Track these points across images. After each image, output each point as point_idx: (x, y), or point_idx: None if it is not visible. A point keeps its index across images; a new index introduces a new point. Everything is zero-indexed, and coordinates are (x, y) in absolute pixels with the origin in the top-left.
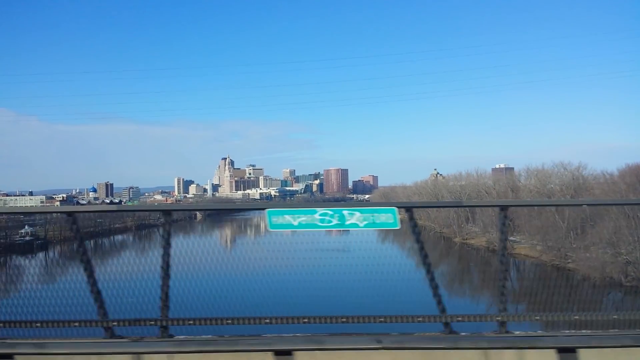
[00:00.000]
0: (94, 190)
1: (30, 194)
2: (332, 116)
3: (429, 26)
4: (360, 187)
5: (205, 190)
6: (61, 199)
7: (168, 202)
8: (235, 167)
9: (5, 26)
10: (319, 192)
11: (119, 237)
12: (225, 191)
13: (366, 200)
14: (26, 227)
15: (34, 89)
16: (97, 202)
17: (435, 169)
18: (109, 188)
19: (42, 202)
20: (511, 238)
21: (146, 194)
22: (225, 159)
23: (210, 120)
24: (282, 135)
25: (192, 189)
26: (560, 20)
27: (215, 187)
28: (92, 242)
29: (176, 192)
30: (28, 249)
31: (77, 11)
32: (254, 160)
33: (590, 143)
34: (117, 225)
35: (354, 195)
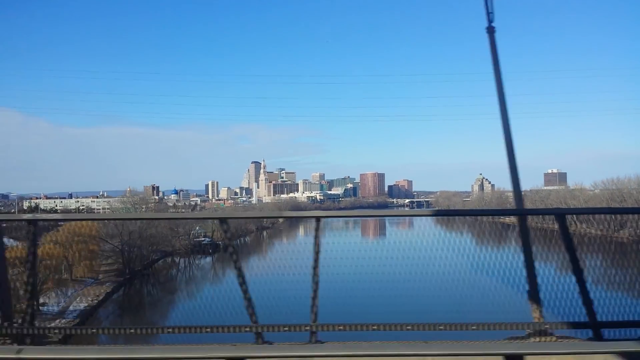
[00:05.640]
0: (175, 193)
1: (70, 196)
2: (343, 120)
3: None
4: (396, 191)
5: (236, 193)
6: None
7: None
8: (257, 170)
9: (11, 27)
10: (352, 196)
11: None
12: (263, 194)
13: (409, 205)
14: (197, 228)
15: (41, 89)
16: (179, 204)
17: (481, 174)
18: (155, 190)
19: None
20: None
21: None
22: (260, 163)
23: (218, 124)
24: (290, 139)
25: (223, 192)
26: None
27: (248, 191)
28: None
29: (210, 196)
30: (214, 251)
31: (88, 12)
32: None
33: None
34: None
35: (394, 200)
